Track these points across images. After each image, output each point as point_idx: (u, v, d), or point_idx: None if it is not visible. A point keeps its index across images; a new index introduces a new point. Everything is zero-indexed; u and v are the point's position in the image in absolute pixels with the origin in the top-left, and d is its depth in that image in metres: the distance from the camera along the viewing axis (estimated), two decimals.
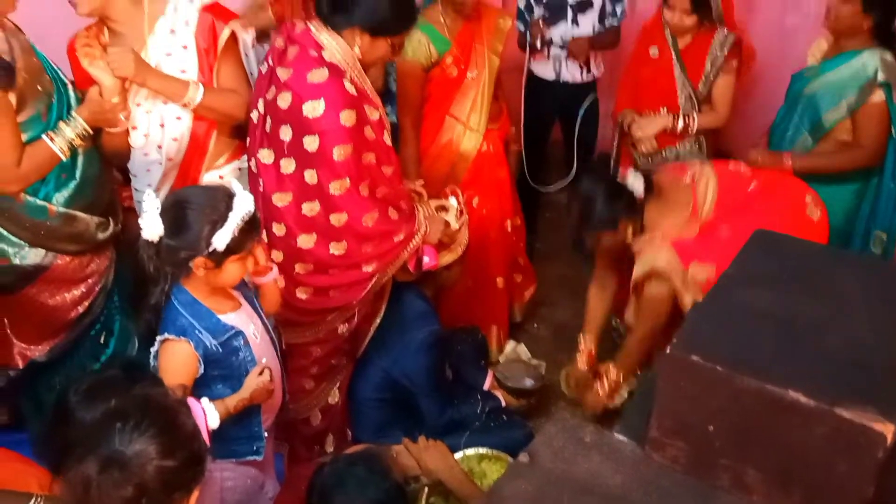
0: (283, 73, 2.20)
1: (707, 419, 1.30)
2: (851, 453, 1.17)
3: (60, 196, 2.17)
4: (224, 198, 1.85)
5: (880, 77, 2.67)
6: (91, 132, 2.17)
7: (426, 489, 2.33)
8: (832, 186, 2.76)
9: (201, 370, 1.93)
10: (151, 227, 1.81)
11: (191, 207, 1.83)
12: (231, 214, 1.82)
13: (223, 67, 2.39)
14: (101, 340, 2.37)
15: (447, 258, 2.62)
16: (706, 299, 1.47)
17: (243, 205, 1.85)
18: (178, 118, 2.37)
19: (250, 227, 1.87)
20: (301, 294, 2.37)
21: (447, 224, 2.57)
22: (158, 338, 1.90)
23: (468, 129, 3.00)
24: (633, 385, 3.12)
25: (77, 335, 2.36)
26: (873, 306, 1.43)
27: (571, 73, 3.45)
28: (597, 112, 3.56)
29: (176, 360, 1.85)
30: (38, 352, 2.32)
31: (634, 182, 2.51)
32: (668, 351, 1.31)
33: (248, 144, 2.37)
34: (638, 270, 2.56)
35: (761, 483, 1.28)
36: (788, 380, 1.21)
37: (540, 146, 3.61)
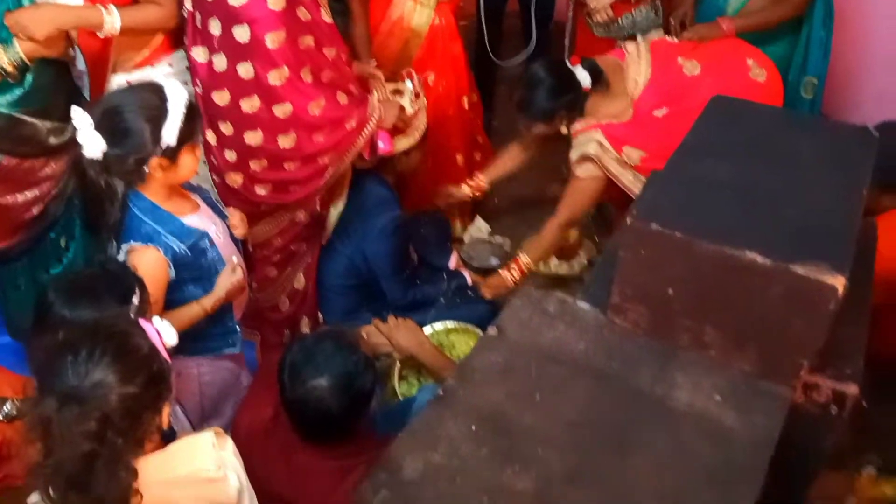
0: None
1: (667, 284, 1.34)
2: (805, 308, 1.22)
3: (4, 99, 2.06)
4: (154, 92, 1.79)
5: None
6: (29, 63, 2.03)
7: (398, 364, 2.41)
8: (767, 42, 2.83)
9: (172, 275, 1.91)
10: (91, 143, 1.74)
11: (125, 111, 1.76)
12: (170, 106, 1.76)
13: None
14: (63, 244, 2.32)
15: (403, 143, 2.58)
16: (666, 169, 1.48)
17: (177, 94, 1.79)
18: None
19: (193, 113, 1.83)
20: (260, 190, 2.32)
21: (402, 108, 2.51)
22: (124, 246, 1.87)
23: (418, 3, 2.88)
24: (592, 252, 3.21)
25: (34, 236, 2.31)
26: (827, 171, 1.46)
27: None
28: None
29: (146, 267, 1.82)
30: None
31: (581, 74, 2.55)
32: (628, 221, 1.33)
33: (185, 42, 2.25)
34: (572, 155, 2.62)
35: (719, 340, 1.34)
36: (746, 242, 1.24)
37: (497, 18, 3.50)
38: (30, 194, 2.24)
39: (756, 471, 1.19)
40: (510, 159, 2.98)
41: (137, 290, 1.64)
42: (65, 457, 1.10)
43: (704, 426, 1.26)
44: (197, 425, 2.03)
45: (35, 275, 2.38)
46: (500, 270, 2.79)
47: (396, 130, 2.53)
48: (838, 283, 1.18)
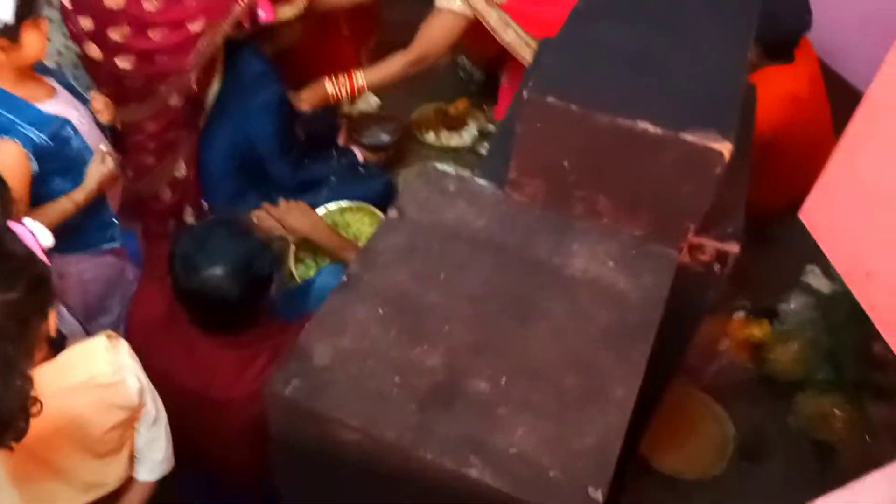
0: None
1: (563, 156, 1.35)
2: (693, 173, 1.27)
3: None
4: None
5: None
6: None
7: (293, 247, 2.37)
8: None
9: (35, 169, 1.75)
10: None
11: None
12: None
13: None
14: None
15: (287, 12, 2.40)
16: (558, 37, 1.46)
17: None
18: None
19: None
20: (123, 63, 2.12)
21: None
22: None
23: None
24: (480, 122, 3.20)
25: None
26: (715, 31, 1.48)
27: None
28: None
29: (5, 162, 1.65)
30: None
31: None
32: (524, 95, 1.31)
33: None
34: None
35: (612, 209, 1.39)
36: (638, 112, 1.26)
37: None
38: None
39: (648, 329, 1.27)
40: (394, 67, 2.63)
41: None
42: None
43: (599, 291, 1.32)
44: (84, 324, 1.95)
45: None
46: (325, 81, 2.64)
47: None
48: (725, 148, 1.22)
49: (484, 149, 3.08)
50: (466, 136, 3.15)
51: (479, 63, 3.30)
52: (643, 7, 1.53)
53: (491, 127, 3.18)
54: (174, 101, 2.27)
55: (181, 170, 2.45)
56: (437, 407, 1.14)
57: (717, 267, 1.40)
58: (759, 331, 2.50)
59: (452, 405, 1.14)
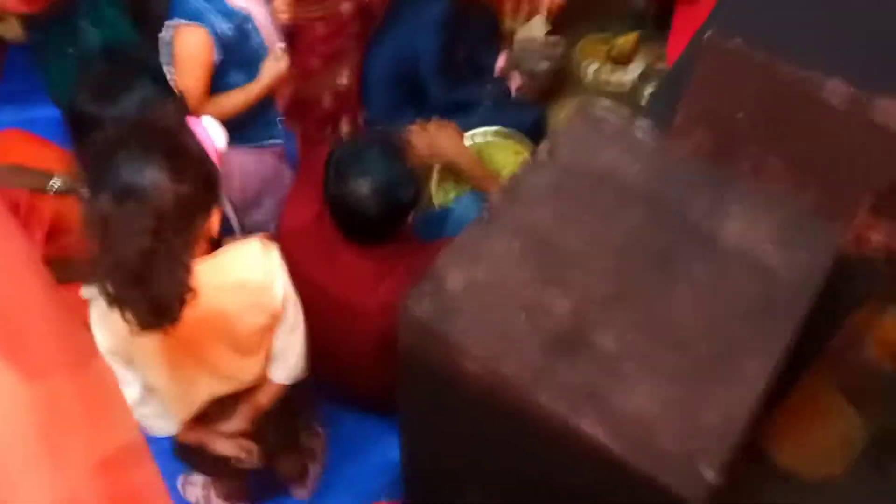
0: None
1: (738, 107, 1.25)
2: (880, 147, 1.14)
3: None
4: None
5: None
6: None
7: (436, 171, 2.38)
8: None
9: (218, 57, 1.83)
10: None
11: None
12: None
13: None
14: (85, 25, 2.22)
15: None
16: None
17: None
18: None
19: None
20: None
21: None
22: (168, 23, 1.78)
23: None
24: (649, 63, 3.02)
25: (57, 10, 2.20)
26: None
27: None
28: None
29: (192, 46, 1.74)
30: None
31: None
32: (706, 36, 1.21)
33: None
34: None
35: (782, 171, 1.28)
36: (830, 70, 1.13)
37: None
38: None
39: (795, 309, 1.18)
40: None
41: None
42: (124, 252, 1.11)
43: (750, 259, 1.23)
44: (239, 216, 2.07)
45: (64, 48, 2.31)
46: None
47: None
48: None
49: (648, 89, 2.91)
50: (631, 73, 2.99)
51: None
52: None
53: (659, 66, 3.00)
54: (345, 7, 2.29)
55: (344, 78, 2.50)
56: (560, 352, 1.12)
57: (880, 262, 1.27)
58: None
59: (576, 353, 1.12)
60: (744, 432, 1.04)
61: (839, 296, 1.32)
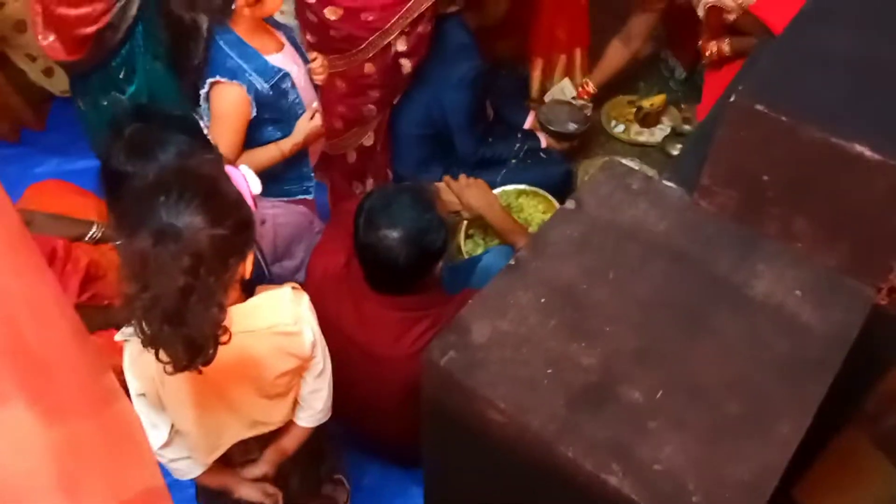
0: None
1: (763, 169, 1.26)
2: None
3: None
4: None
5: None
6: None
7: (465, 223, 2.42)
8: None
9: (254, 113, 1.90)
10: None
11: None
12: None
13: None
14: (122, 75, 2.31)
15: None
16: (779, 41, 1.36)
17: None
18: None
19: None
20: (330, 15, 2.22)
21: None
22: (209, 80, 1.86)
23: None
24: (676, 120, 3.06)
25: (104, 54, 2.29)
26: None
27: None
28: None
29: (229, 104, 1.82)
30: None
31: None
32: (732, 98, 1.24)
33: None
34: None
35: (809, 232, 1.28)
36: (855, 132, 1.15)
37: None
38: (85, 9, 2.19)
39: (828, 367, 1.17)
40: (615, 56, 2.87)
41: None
42: (161, 291, 1.14)
43: (780, 318, 1.23)
44: (269, 265, 2.10)
45: (97, 103, 2.39)
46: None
47: None
48: None
49: (675, 150, 2.94)
50: (658, 133, 3.03)
51: (683, 60, 3.15)
52: (879, 11, 1.38)
53: (686, 128, 3.03)
54: (369, 69, 2.34)
55: (370, 139, 2.55)
56: (587, 406, 1.12)
57: None
58: None
59: (602, 408, 1.12)
60: (775, 491, 1.03)
61: (875, 350, 1.31)
